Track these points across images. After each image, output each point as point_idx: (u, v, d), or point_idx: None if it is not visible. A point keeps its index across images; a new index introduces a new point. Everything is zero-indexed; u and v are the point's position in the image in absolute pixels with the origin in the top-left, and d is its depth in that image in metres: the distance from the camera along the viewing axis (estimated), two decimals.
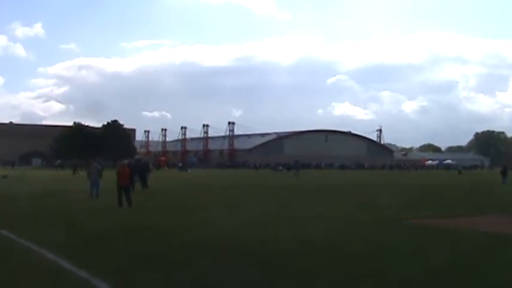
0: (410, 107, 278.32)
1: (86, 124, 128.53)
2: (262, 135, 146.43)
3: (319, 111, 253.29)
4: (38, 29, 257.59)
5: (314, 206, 23.64)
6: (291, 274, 9.75)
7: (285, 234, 14.42)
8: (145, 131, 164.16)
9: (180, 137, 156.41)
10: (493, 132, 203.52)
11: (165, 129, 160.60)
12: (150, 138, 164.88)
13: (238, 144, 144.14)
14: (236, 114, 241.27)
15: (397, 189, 38.58)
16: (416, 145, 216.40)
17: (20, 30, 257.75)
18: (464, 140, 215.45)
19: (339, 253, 11.76)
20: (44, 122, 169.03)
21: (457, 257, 11.33)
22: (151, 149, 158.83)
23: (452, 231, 15.32)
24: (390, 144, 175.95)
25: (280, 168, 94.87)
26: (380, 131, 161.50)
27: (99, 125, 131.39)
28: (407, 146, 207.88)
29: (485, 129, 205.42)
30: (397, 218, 18.16)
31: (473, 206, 23.64)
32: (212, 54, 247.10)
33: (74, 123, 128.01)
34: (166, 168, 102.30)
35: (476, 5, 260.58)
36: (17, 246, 12.58)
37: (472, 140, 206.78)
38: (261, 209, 22.04)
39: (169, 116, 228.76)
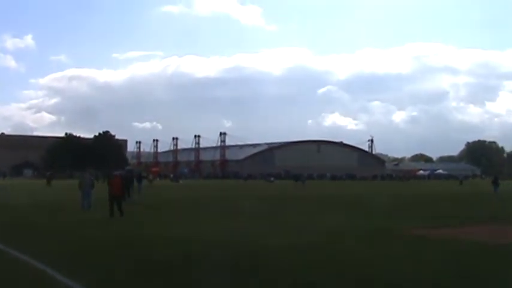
0: (400, 117, 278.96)
1: (77, 135, 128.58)
2: (254, 145, 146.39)
3: (310, 121, 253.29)
4: (28, 40, 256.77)
5: (311, 215, 23.98)
6: (284, 282, 9.80)
7: (278, 242, 14.45)
8: (136, 142, 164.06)
9: (172, 148, 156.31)
10: (485, 142, 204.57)
11: (157, 140, 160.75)
12: (141, 149, 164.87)
13: (229, 155, 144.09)
14: (227, 125, 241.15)
15: (396, 199, 38.65)
16: (407, 155, 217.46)
17: (10, 42, 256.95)
18: (454, 150, 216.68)
19: (333, 261, 11.81)
20: (36, 133, 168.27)
21: (449, 265, 11.42)
22: (143, 159, 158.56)
23: (446, 240, 15.36)
24: (382, 155, 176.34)
25: (272, 179, 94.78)
26: (372, 141, 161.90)
27: (90, 135, 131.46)
28: (399, 156, 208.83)
29: (475, 139, 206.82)
30: (392, 227, 18.21)
31: (466, 216, 23.80)
32: (203, 65, 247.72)
33: (66, 134, 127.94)
34: (158, 179, 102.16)
35: (465, 16, 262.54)
36: (7, 257, 12.55)
37: (463, 149, 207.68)
38: (257, 217, 22.08)
39: (160, 126, 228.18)
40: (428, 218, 22.84)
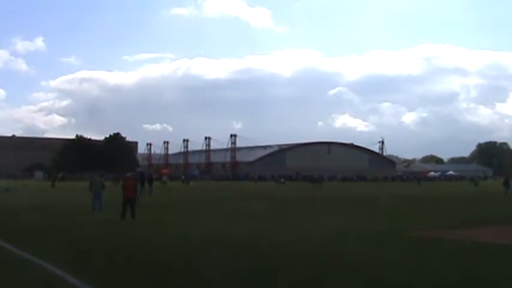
0: (410, 119, 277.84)
1: (88, 137, 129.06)
2: (265, 147, 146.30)
3: (320, 123, 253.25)
4: (39, 43, 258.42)
5: (323, 216, 24.03)
6: (291, 283, 9.81)
7: (285, 243, 14.47)
8: (147, 144, 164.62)
9: (182, 150, 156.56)
10: (496, 143, 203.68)
11: (167, 142, 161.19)
12: (152, 151, 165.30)
13: (240, 157, 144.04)
14: (237, 126, 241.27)
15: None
16: (417, 156, 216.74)
17: (21, 45, 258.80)
18: (464, 151, 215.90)
19: (341, 263, 11.79)
20: (46, 135, 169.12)
21: (455, 267, 11.42)
22: (154, 161, 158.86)
23: (455, 242, 15.33)
24: (392, 156, 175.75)
25: (282, 180, 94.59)
26: (382, 142, 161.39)
27: (101, 137, 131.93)
28: (409, 158, 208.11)
29: (485, 140, 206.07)
30: (404, 229, 18.18)
31: (475, 217, 23.73)
32: (213, 67, 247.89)
33: (76, 136, 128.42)
34: (168, 180, 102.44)
35: (475, 17, 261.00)
36: (18, 258, 12.62)
37: (474, 150, 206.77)
38: (264, 219, 22.08)
39: (170, 128, 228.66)
40: (440, 219, 22.76)
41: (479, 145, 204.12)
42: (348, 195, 47.10)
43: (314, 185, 68.41)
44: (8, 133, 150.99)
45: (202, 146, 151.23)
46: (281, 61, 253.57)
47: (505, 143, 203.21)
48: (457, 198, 43.24)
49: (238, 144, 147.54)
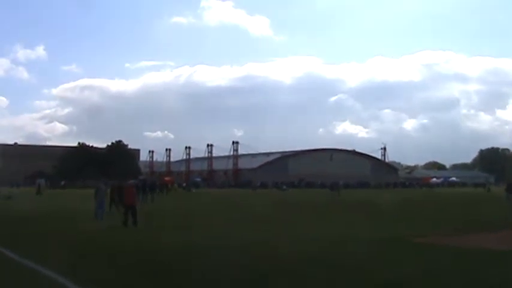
0: (411, 125, 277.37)
1: (90, 145, 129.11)
2: (267, 154, 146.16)
3: (321, 130, 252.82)
4: (40, 51, 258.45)
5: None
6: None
7: (290, 248, 14.52)
8: (149, 151, 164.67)
9: (184, 157, 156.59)
10: (498, 149, 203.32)
11: (169, 149, 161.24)
12: (154, 159, 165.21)
13: (242, 164, 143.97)
14: (238, 134, 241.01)
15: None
16: (419, 162, 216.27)
17: (22, 53, 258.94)
18: (465, 157, 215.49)
19: (342, 269, 11.83)
20: (48, 143, 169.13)
21: (461, 274, 11.44)
22: (156, 169, 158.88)
23: (457, 248, 15.35)
24: (394, 162, 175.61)
25: (284, 187, 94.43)
26: (384, 149, 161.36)
27: (102, 145, 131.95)
28: (411, 164, 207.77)
29: (486, 146, 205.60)
30: (408, 235, 18.21)
31: (479, 223, 23.75)
32: (214, 75, 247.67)
33: (79, 143, 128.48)
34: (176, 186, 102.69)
35: (475, 23, 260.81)
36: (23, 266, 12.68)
37: (476, 157, 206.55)
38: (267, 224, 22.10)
39: (171, 136, 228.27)
40: (443, 224, 22.80)
41: (482, 151, 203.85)
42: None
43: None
44: (10, 141, 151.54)
45: (205, 153, 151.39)
46: (282, 68, 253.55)
47: (507, 149, 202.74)
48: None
49: (240, 151, 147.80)
